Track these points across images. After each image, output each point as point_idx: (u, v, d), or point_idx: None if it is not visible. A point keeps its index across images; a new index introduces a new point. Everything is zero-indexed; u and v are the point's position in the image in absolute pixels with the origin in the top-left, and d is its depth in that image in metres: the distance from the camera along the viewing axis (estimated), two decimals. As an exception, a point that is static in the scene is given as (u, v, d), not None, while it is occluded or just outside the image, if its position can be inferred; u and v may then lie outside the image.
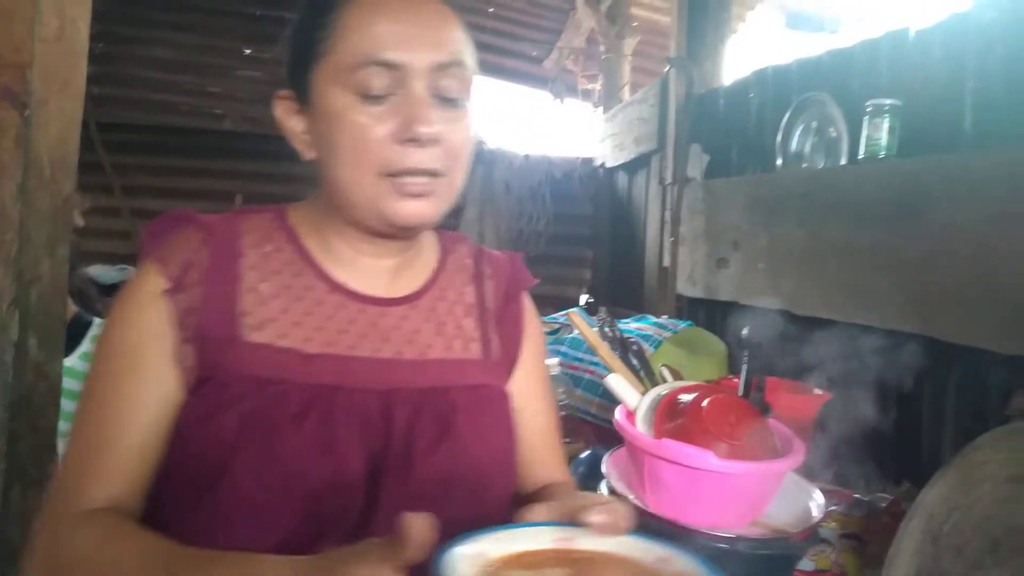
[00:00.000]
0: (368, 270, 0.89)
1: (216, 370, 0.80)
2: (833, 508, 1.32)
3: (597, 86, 3.83)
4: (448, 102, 0.82)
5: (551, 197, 3.71)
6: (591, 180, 3.76)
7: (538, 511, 0.69)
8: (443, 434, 0.83)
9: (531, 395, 0.97)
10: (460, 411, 0.85)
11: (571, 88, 4.08)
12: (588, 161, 3.78)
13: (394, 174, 0.79)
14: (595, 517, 0.66)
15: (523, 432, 0.93)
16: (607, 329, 1.53)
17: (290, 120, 0.85)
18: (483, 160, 3.71)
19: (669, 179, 2.57)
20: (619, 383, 1.36)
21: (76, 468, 0.78)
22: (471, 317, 0.94)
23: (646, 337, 1.82)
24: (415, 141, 0.79)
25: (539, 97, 4.27)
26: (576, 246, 3.85)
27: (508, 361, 0.95)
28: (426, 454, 0.81)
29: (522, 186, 3.68)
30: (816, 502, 1.19)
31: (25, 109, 1.00)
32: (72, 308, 2.09)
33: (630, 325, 2.01)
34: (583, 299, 3.90)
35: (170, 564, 0.68)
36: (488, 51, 4.31)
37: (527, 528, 0.71)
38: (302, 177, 0.86)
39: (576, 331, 2.00)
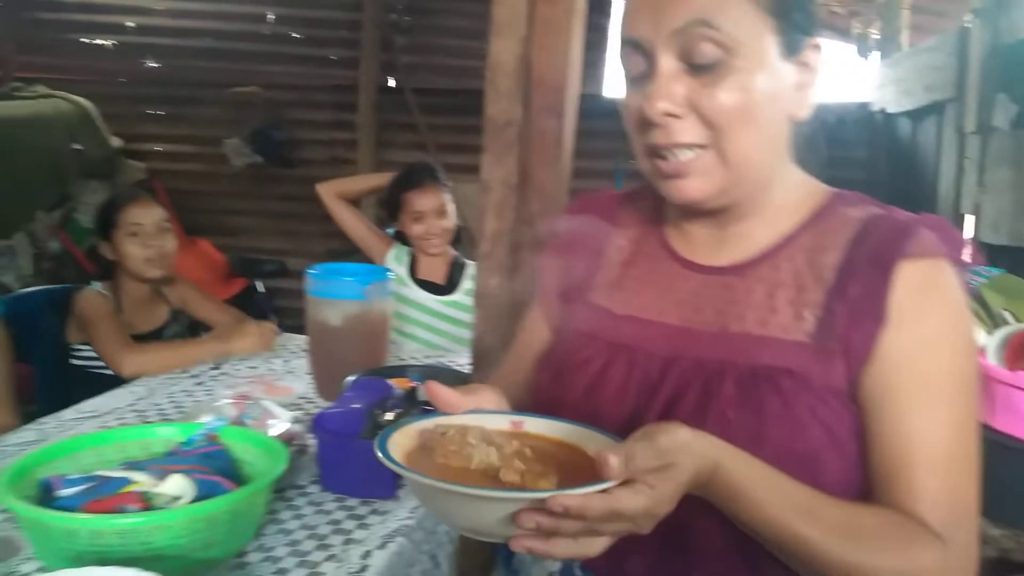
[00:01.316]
0: (699, 238, 0.88)
1: (562, 322, 0.95)
2: None
3: (872, 30, 3.83)
4: (700, 69, 0.76)
5: (824, 143, 3.80)
6: (867, 125, 3.80)
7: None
8: (701, 414, 0.78)
9: (892, 396, 0.76)
10: (733, 392, 0.78)
11: (841, 31, 4.10)
12: (863, 106, 3.81)
13: (652, 154, 0.80)
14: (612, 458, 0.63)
15: (875, 439, 0.77)
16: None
17: None
18: (756, 109, 3.86)
19: (971, 128, 2.64)
20: (967, 324, 1.60)
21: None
22: (817, 291, 0.80)
23: (963, 283, 1.99)
24: (649, 122, 0.77)
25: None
26: (849, 190, 3.92)
27: (850, 347, 0.77)
28: (674, 416, 0.77)
29: (796, 131, 3.79)
30: None
31: (562, 119, 1.37)
32: (452, 252, 2.60)
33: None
34: (855, 242, 3.99)
35: None
36: None
37: (488, 415, 0.78)
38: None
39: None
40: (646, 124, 0.78)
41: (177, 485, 1.06)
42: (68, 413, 1.73)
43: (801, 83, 0.80)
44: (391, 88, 4.29)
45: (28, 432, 1.61)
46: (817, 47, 0.80)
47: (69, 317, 2.22)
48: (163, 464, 1.12)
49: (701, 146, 0.78)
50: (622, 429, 0.74)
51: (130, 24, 4.51)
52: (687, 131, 0.77)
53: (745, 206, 0.83)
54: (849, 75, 4.04)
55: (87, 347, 2.19)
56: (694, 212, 0.86)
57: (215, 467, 1.16)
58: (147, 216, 2.22)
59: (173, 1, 4.46)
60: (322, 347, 1.89)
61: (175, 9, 4.47)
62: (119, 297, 2.24)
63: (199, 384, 1.96)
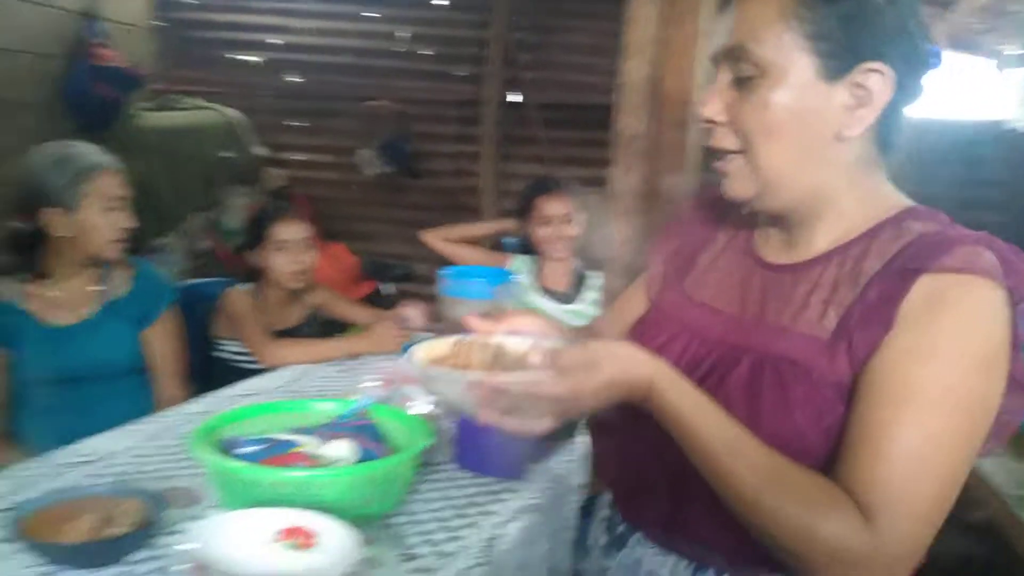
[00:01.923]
0: (773, 240, 0.97)
1: (657, 300, 1.09)
2: None
3: (1010, 47, 3.70)
4: (741, 84, 0.86)
5: (957, 161, 3.71)
6: (1005, 145, 3.68)
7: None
8: (716, 390, 0.87)
9: (875, 390, 0.80)
10: (745, 374, 0.87)
11: (974, 46, 3.97)
12: (999, 124, 3.69)
13: (716, 155, 0.93)
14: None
15: (847, 423, 0.82)
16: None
17: None
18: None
19: (1115, 148, 2.54)
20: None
21: None
22: (848, 295, 0.86)
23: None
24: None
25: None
26: (984, 211, 3.81)
27: (853, 346, 0.82)
28: None
29: (928, 152, 3.72)
30: None
31: (687, 132, 1.47)
32: (574, 262, 2.72)
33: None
34: (986, 264, 3.84)
35: None
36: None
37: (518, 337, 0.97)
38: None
39: None
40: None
41: (340, 449, 1.20)
42: (233, 390, 1.93)
43: (853, 104, 0.84)
44: (513, 103, 4.44)
45: (200, 404, 1.82)
46: (878, 71, 0.83)
47: (215, 313, 2.45)
48: (327, 431, 1.27)
49: (736, 152, 0.89)
50: None
51: (276, 42, 4.86)
52: (725, 137, 0.89)
53: (805, 212, 0.91)
54: (984, 92, 3.92)
55: (230, 341, 2.42)
56: (768, 216, 0.96)
57: (367, 438, 1.31)
58: (294, 233, 2.43)
59: (316, 20, 4.76)
60: (453, 342, 2.04)
61: (318, 28, 4.78)
62: (261, 298, 2.46)
63: (342, 371, 2.14)
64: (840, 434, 0.82)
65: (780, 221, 0.94)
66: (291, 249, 2.41)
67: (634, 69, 1.46)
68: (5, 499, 1.27)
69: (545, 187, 2.71)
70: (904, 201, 0.92)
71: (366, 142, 4.55)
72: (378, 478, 1.17)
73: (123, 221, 2.00)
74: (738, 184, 0.90)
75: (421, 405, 1.64)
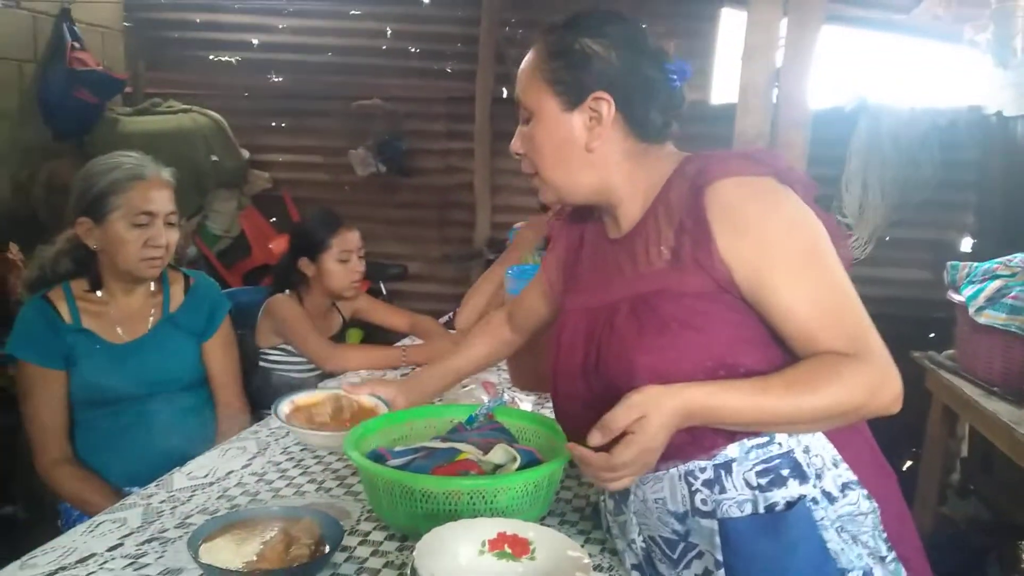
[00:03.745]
0: (610, 223, 1.21)
1: (561, 302, 1.31)
2: None
3: (986, 35, 3.87)
4: (525, 123, 1.18)
5: (937, 145, 3.87)
6: (979, 128, 3.85)
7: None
8: (608, 333, 1.10)
9: (767, 289, 1.02)
10: (626, 313, 1.08)
11: (950, 36, 4.13)
12: (976, 109, 3.86)
13: None
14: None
15: (776, 321, 1.03)
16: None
17: None
18: (868, 114, 3.95)
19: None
20: None
21: None
22: (669, 231, 1.09)
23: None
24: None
25: (915, 46, 4.36)
26: (960, 192, 3.98)
27: (701, 263, 1.04)
28: (600, 354, 1.11)
29: (909, 136, 3.87)
30: None
31: (807, 131, 1.52)
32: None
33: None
34: (967, 243, 4.02)
35: None
36: (853, 4, 4.46)
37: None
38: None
39: None
40: None
41: (502, 454, 1.22)
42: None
43: (592, 125, 1.12)
44: (504, 99, 4.46)
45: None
46: (601, 98, 1.11)
47: (261, 321, 2.41)
48: (477, 437, 1.29)
49: (534, 174, 1.19)
50: (585, 359, 1.14)
51: (254, 42, 4.77)
52: (527, 164, 1.20)
53: (613, 199, 1.17)
54: (961, 79, 4.09)
55: (274, 350, 2.38)
56: (600, 208, 1.21)
57: (507, 440, 1.32)
58: (355, 242, 2.40)
59: (294, 19, 4.69)
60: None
61: (296, 27, 4.70)
62: (303, 307, 2.41)
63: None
64: (722, 329, 1.03)
65: (608, 209, 1.19)
66: (353, 259, 2.38)
67: (755, 71, 1.50)
68: (145, 530, 1.26)
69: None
70: (681, 154, 1.17)
71: (355, 141, 4.51)
72: (543, 481, 1.19)
73: (158, 238, 1.93)
74: (545, 195, 1.20)
75: (527, 404, 1.66)
